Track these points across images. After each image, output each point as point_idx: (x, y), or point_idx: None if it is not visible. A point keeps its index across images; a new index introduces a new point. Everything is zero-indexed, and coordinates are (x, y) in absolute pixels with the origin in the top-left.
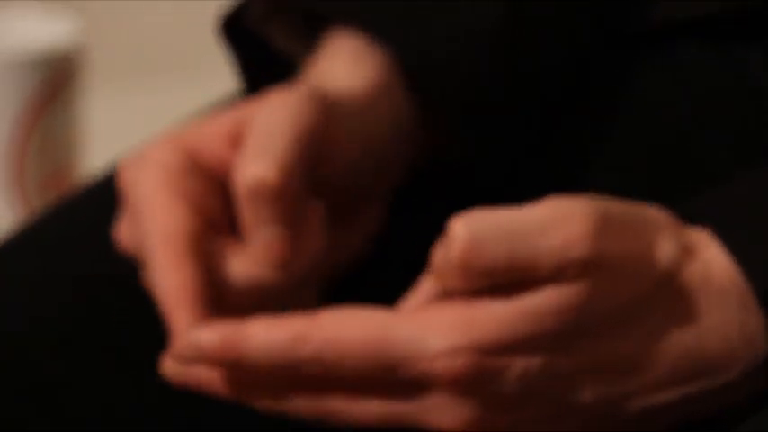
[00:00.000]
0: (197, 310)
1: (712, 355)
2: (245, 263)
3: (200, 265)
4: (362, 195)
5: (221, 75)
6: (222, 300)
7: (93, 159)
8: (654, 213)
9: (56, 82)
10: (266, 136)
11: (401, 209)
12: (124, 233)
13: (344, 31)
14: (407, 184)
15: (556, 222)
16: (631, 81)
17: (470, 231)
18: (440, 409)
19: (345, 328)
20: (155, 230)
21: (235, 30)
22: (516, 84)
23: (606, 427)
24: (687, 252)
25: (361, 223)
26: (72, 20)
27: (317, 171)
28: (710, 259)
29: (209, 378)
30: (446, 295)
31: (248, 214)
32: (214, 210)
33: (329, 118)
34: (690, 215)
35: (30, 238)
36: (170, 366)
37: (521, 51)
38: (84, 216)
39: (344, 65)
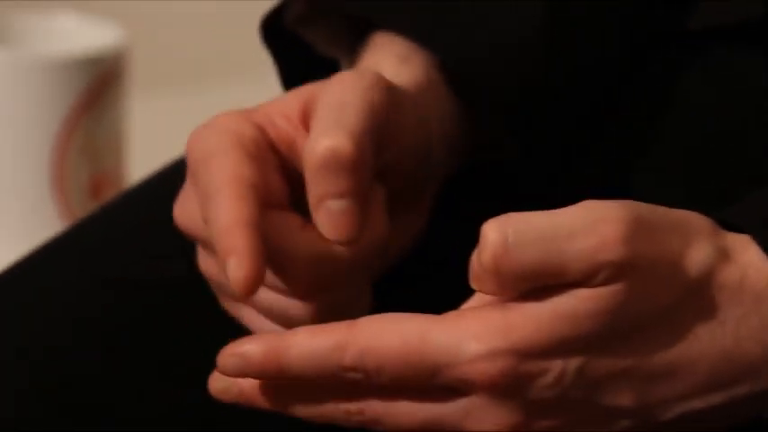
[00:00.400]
0: (256, 241)
1: (752, 359)
2: (311, 238)
3: (260, 213)
4: (414, 189)
5: (265, 77)
6: (284, 275)
7: (138, 164)
8: (688, 217)
9: (99, 85)
10: (338, 109)
11: (441, 211)
12: (180, 208)
13: (388, 32)
14: (446, 185)
15: (588, 226)
16: (672, 83)
17: (502, 235)
18: (479, 414)
19: (384, 335)
20: (223, 174)
21: (276, 31)
22: (557, 85)
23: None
24: (724, 256)
25: (411, 218)
26: (116, 24)
27: (383, 154)
28: (748, 263)
29: (251, 392)
30: (485, 300)
31: (318, 187)
32: (277, 186)
33: (393, 101)
34: (728, 219)
35: (73, 242)
36: (217, 385)
37: (561, 53)
38: (128, 220)
39: (390, 64)
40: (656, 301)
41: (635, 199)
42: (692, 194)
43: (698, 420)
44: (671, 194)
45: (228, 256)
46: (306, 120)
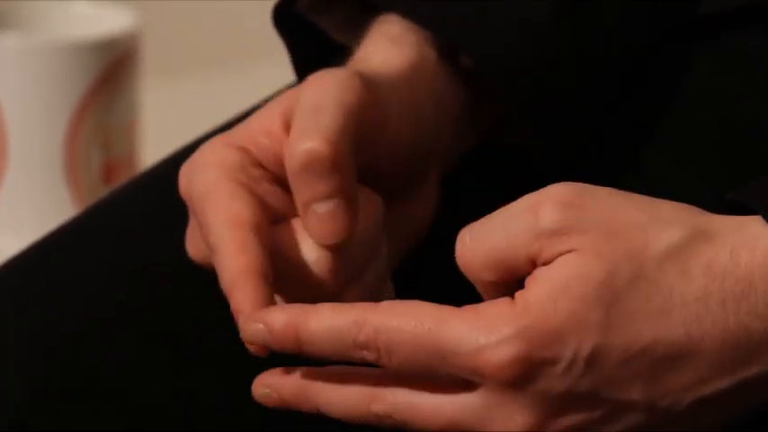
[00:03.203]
0: (262, 290)
1: (757, 338)
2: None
3: (265, 250)
4: (414, 179)
5: (277, 62)
6: (298, 286)
7: (150, 149)
8: (657, 201)
9: (112, 70)
10: (313, 112)
11: (451, 197)
12: (191, 243)
13: (389, 17)
14: (454, 171)
15: (528, 203)
16: (685, 69)
17: (463, 238)
18: (495, 414)
19: (400, 316)
20: (219, 218)
21: (288, 17)
22: (571, 69)
23: (663, 425)
24: (704, 237)
25: (415, 209)
26: (129, 9)
27: (368, 151)
28: (740, 244)
29: (290, 397)
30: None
31: (302, 192)
32: (275, 200)
33: (374, 95)
34: (733, 199)
35: (85, 227)
36: (259, 392)
37: (575, 35)
38: (140, 205)
39: (383, 46)
40: (636, 270)
41: (648, 185)
42: (705, 181)
43: (709, 410)
44: (684, 181)
45: (238, 313)
46: (288, 129)
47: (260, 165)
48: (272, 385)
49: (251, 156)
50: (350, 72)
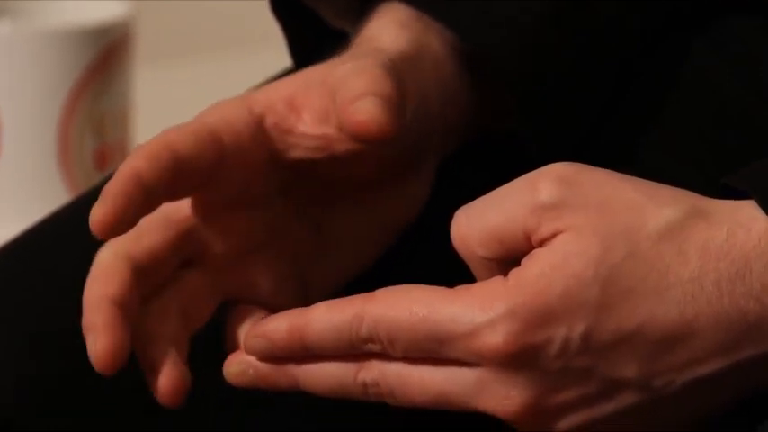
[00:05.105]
0: (111, 317)
1: (752, 318)
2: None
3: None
4: (415, 156)
5: (272, 49)
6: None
7: (143, 136)
8: (651, 184)
9: (105, 57)
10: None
11: (447, 181)
12: None
13: (393, 3)
14: (451, 152)
15: (524, 182)
16: (684, 58)
17: (460, 215)
18: (492, 390)
19: (395, 306)
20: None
21: (285, 2)
22: (569, 59)
23: (657, 407)
24: (700, 217)
25: (412, 188)
26: None
27: None
28: (736, 224)
29: (268, 371)
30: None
31: (356, 84)
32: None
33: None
34: (729, 183)
35: (79, 213)
36: (231, 369)
37: (574, 25)
38: None
39: (391, 29)
40: (632, 249)
41: (643, 173)
42: (699, 168)
43: (703, 391)
44: (677, 168)
45: (87, 331)
46: (297, 107)
47: (261, 137)
48: (247, 361)
49: (260, 124)
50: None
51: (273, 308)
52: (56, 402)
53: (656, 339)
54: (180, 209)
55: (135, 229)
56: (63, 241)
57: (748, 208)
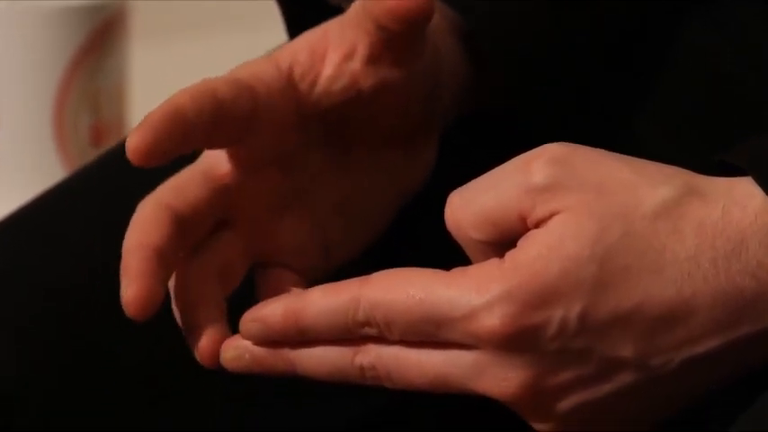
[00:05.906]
0: (146, 264)
1: (748, 295)
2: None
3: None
4: (428, 116)
5: (267, 26)
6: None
7: (139, 113)
8: (644, 162)
9: (100, 33)
10: None
11: (447, 156)
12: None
13: None
14: (450, 124)
15: (518, 163)
16: (676, 32)
17: (453, 198)
18: (489, 372)
19: (392, 289)
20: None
21: None
22: (564, 36)
23: (655, 386)
24: (695, 194)
25: (424, 153)
26: None
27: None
28: (731, 202)
29: (264, 355)
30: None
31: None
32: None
33: None
34: (725, 160)
35: (74, 189)
36: (227, 355)
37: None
38: (129, 167)
39: None
40: (628, 228)
41: (636, 151)
42: (693, 145)
43: (700, 370)
44: (671, 145)
45: (122, 276)
46: (321, 55)
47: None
48: (243, 345)
49: (289, 77)
50: None
51: (298, 272)
52: (56, 400)
53: (654, 318)
54: (216, 166)
55: (175, 181)
56: (59, 217)
57: (744, 185)
